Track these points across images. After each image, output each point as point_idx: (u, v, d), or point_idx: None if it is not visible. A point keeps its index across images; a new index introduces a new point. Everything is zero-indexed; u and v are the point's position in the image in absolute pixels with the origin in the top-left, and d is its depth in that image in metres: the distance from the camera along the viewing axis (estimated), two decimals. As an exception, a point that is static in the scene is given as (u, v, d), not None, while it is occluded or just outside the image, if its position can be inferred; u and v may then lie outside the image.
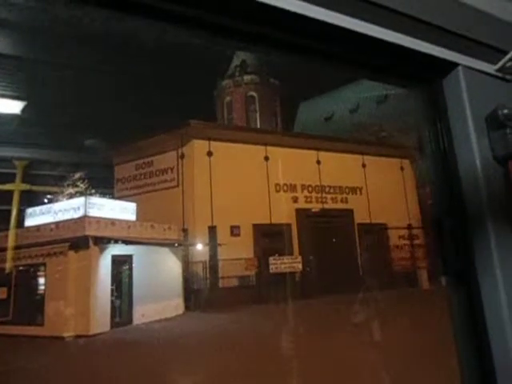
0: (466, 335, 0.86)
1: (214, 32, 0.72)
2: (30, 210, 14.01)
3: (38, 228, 13.07)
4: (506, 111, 0.86)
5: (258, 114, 27.72)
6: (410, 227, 21.05)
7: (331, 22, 0.72)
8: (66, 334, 10.82)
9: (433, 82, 0.94)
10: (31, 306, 12.17)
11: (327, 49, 0.81)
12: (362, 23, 0.75)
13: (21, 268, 13.05)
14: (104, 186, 19.86)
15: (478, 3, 0.79)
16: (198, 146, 17.81)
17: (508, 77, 0.97)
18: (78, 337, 10.79)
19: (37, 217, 13.64)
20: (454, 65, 0.90)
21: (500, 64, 0.93)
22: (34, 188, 18.32)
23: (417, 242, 20.60)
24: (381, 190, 20.16)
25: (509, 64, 0.93)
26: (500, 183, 0.87)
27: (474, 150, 0.87)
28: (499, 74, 0.95)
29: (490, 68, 0.94)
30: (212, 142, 17.96)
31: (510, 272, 0.82)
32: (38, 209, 13.93)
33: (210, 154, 17.86)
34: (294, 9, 0.67)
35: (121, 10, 0.62)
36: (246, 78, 27.69)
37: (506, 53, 0.91)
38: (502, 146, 0.87)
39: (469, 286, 0.86)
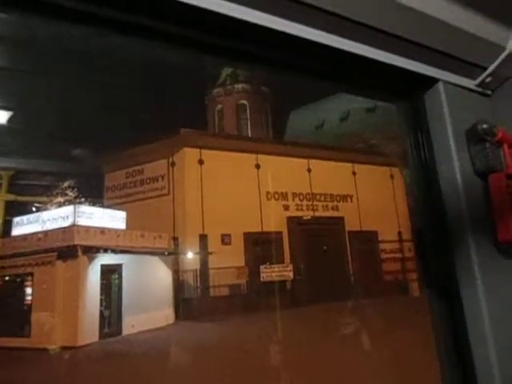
0: (449, 347, 0.87)
1: (191, 47, 0.72)
2: (17, 219, 13.79)
3: (25, 237, 12.85)
4: (485, 126, 0.88)
5: (249, 123, 27.80)
6: (400, 234, 21.21)
7: (312, 39, 0.73)
8: (52, 346, 10.59)
9: (414, 96, 0.96)
10: (17, 317, 11.90)
11: (309, 64, 0.82)
12: (343, 40, 0.76)
13: (7, 278, 12.78)
14: (94, 194, 19.68)
15: (457, 22, 0.81)
16: (189, 154, 17.76)
17: (487, 92, 0.99)
18: (66, 348, 10.56)
19: (24, 226, 13.42)
20: (435, 80, 0.91)
21: (479, 79, 0.95)
22: (20, 198, 18.07)
23: (407, 248, 20.73)
24: (371, 198, 20.30)
25: (488, 80, 0.95)
26: (480, 197, 0.89)
27: (454, 163, 0.88)
28: (479, 89, 0.97)
29: (470, 83, 0.96)
30: (203, 150, 17.94)
31: (491, 285, 0.83)
32: (25, 218, 13.71)
33: (201, 162, 17.82)
34: (272, 25, 0.68)
35: (99, 26, 0.63)
36: (237, 86, 27.82)
37: (485, 69, 0.93)
38: (482, 160, 0.89)
39: (451, 299, 0.86)
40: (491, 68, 0.92)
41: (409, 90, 0.95)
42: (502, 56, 0.90)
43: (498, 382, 0.79)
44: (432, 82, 0.92)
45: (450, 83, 0.92)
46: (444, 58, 0.86)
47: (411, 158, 0.97)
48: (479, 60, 0.90)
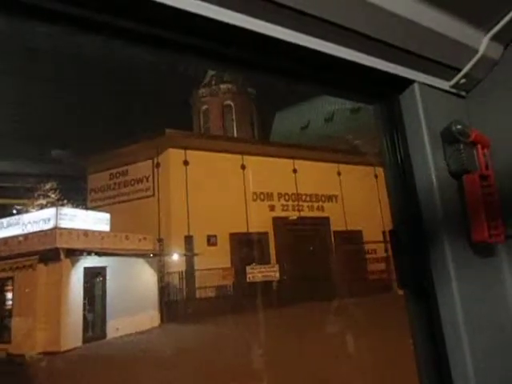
0: (425, 344, 0.88)
1: (171, 49, 0.71)
2: (-4, 222, 13.43)
3: (5, 241, 12.53)
4: (459, 127, 0.89)
5: (234, 123, 27.77)
6: (384, 234, 21.46)
7: (288, 39, 0.72)
8: (31, 352, 10.35)
9: (390, 97, 0.97)
10: (-3, 323, 11.61)
11: (285, 66, 0.81)
12: (320, 41, 0.76)
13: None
14: (77, 196, 19.36)
15: (432, 24, 0.82)
16: (174, 155, 17.63)
17: (462, 93, 1.00)
18: (49, 354, 10.33)
19: (4, 229, 13.08)
20: (410, 81, 0.92)
21: (454, 81, 0.97)
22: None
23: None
24: (356, 198, 20.52)
25: (462, 81, 0.96)
26: (455, 197, 0.90)
27: (429, 164, 0.89)
28: (454, 91, 0.99)
29: (445, 85, 0.97)
30: (188, 151, 17.84)
31: (466, 284, 0.85)
32: (5, 220, 13.38)
33: (186, 162, 17.71)
34: (245, 25, 0.67)
35: (69, 25, 0.61)
36: (223, 87, 27.75)
37: (459, 70, 0.94)
38: (457, 160, 0.90)
39: (426, 298, 0.87)
40: (465, 70, 0.93)
41: (385, 91, 0.96)
42: (476, 58, 0.91)
43: (472, 378, 0.80)
44: (407, 83, 0.93)
45: (425, 84, 0.93)
46: (419, 59, 0.87)
47: (388, 158, 0.98)
48: (453, 62, 0.92)
